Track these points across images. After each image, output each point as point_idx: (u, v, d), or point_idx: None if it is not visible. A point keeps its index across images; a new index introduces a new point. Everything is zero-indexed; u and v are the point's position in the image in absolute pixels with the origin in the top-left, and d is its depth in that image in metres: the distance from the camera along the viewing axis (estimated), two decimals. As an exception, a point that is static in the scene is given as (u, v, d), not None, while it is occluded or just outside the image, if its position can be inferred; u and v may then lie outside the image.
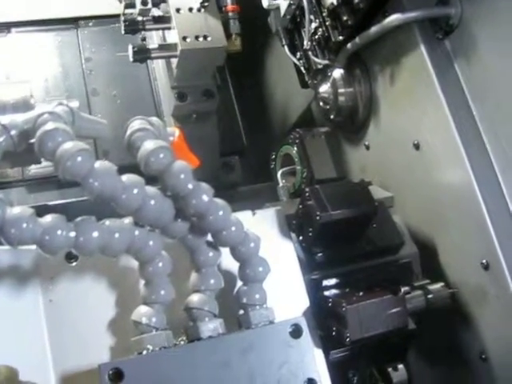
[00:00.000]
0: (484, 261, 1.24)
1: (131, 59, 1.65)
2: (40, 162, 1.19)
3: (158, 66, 1.95)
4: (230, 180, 1.95)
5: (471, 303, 1.29)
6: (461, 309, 1.30)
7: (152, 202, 0.95)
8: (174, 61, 1.69)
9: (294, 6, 1.55)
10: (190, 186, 0.97)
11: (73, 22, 2.03)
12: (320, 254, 1.23)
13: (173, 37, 1.64)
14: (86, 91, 1.95)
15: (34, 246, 0.91)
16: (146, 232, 0.98)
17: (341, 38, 1.45)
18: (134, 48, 1.64)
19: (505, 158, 1.24)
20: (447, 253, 1.35)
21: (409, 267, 1.30)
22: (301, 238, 1.23)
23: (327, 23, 1.46)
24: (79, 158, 0.88)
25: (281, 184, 1.45)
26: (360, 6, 1.35)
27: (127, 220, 0.98)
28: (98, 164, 0.89)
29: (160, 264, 1.01)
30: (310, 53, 1.53)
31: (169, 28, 1.67)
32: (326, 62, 1.50)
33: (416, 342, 1.30)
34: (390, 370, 1.25)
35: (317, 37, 1.50)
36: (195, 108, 1.75)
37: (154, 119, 1.10)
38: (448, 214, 1.33)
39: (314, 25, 1.49)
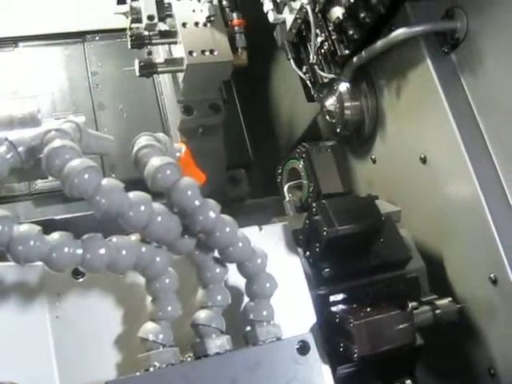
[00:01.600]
0: (492, 275, 1.23)
1: (137, 74, 1.65)
2: (47, 177, 1.19)
3: (164, 81, 1.96)
4: (237, 194, 1.95)
5: (479, 318, 1.28)
6: (469, 323, 1.30)
7: (159, 219, 0.95)
8: (181, 75, 1.70)
9: (299, 21, 1.56)
10: (197, 203, 0.97)
11: (79, 36, 2.05)
12: (327, 269, 1.22)
13: (179, 51, 1.65)
14: (92, 105, 1.97)
15: (40, 263, 0.91)
16: (153, 249, 0.98)
17: (347, 51, 1.45)
18: (140, 62, 1.64)
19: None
20: (455, 267, 1.34)
21: (416, 282, 1.29)
22: (308, 253, 1.22)
23: (333, 37, 1.46)
24: (86, 176, 0.88)
25: (287, 198, 1.45)
26: (366, 21, 1.35)
27: (134, 237, 0.98)
28: (105, 181, 0.90)
29: (167, 280, 1.01)
30: (316, 67, 1.52)
31: (175, 42, 1.67)
32: (332, 75, 1.50)
33: (424, 357, 1.29)
34: (397, 385, 1.24)
35: (323, 51, 1.50)
36: (202, 122, 1.76)
37: (161, 135, 1.10)
38: (455, 228, 1.32)
39: (319, 39, 1.50)
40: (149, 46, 1.79)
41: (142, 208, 0.92)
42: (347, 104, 1.54)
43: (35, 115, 1.34)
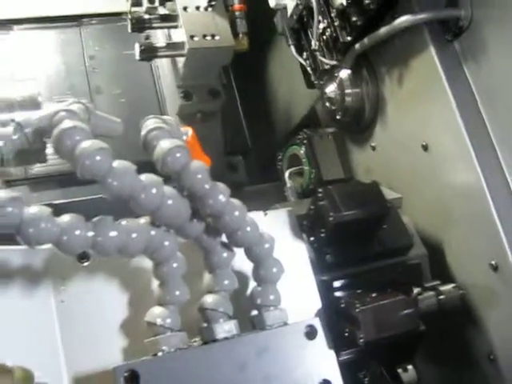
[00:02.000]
0: (493, 262, 1.24)
1: (138, 58, 1.63)
2: (46, 161, 1.18)
3: (162, 65, 1.93)
4: (234, 180, 1.94)
5: (480, 304, 1.29)
6: (469, 309, 1.30)
7: (170, 202, 0.94)
8: (180, 60, 1.68)
9: (301, 6, 1.55)
10: (207, 186, 0.97)
11: (76, 20, 2.00)
12: (331, 255, 1.22)
13: (179, 35, 1.63)
14: (89, 89, 1.93)
15: (45, 246, 0.89)
16: (162, 232, 0.97)
17: (349, 38, 1.44)
18: (141, 46, 1.62)
19: (514, 159, 1.24)
20: (456, 254, 1.35)
21: (419, 268, 1.30)
22: (312, 238, 1.22)
23: (336, 24, 1.45)
24: (98, 157, 0.87)
25: (288, 184, 1.44)
26: (370, 7, 1.34)
27: (143, 220, 0.97)
28: (116, 163, 0.89)
29: (175, 264, 1.01)
30: (317, 53, 1.51)
31: (176, 26, 1.65)
32: (334, 62, 1.50)
33: (424, 342, 1.30)
34: (399, 370, 1.24)
35: (325, 37, 1.49)
36: (201, 107, 1.74)
37: (168, 118, 1.09)
38: (457, 215, 1.33)
39: (321, 25, 1.49)
40: (147, 30, 1.77)
41: (154, 191, 0.91)
42: (348, 91, 1.53)
43: (35, 98, 1.32)
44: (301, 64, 1.64)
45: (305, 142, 1.43)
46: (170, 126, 1.06)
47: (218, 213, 0.98)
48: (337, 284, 1.22)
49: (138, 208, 0.91)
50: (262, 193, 1.82)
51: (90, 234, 0.88)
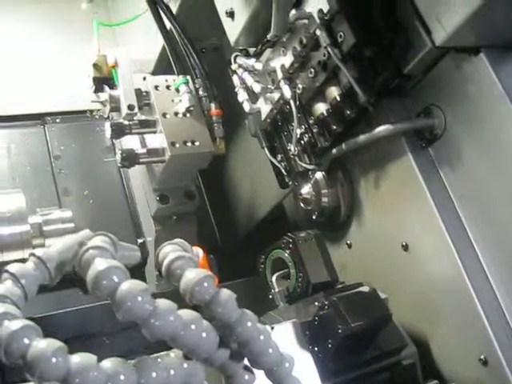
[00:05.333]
0: (482, 356, 1.29)
1: (119, 164, 1.61)
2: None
3: (132, 166, 1.92)
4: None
5: (471, 399, 1.34)
6: (460, 404, 1.35)
7: (204, 335, 0.93)
8: (158, 164, 1.68)
9: (275, 111, 1.60)
10: (237, 315, 0.97)
11: (39, 118, 1.96)
12: (334, 363, 1.24)
13: (157, 141, 1.64)
14: (56, 191, 1.87)
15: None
16: (193, 364, 0.96)
17: (327, 143, 1.51)
18: (122, 153, 1.61)
19: (491, 257, 1.33)
20: (443, 350, 1.40)
21: (415, 368, 1.34)
22: (316, 348, 1.23)
23: (314, 130, 1.51)
24: (140, 298, 0.85)
25: (277, 289, 1.45)
26: (351, 117, 1.42)
27: (173, 353, 0.95)
28: (158, 302, 0.87)
29: (201, 394, 0.99)
30: (296, 157, 1.57)
31: (154, 132, 1.66)
32: (312, 166, 1.55)
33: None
34: None
35: (302, 142, 1.55)
36: (177, 210, 1.74)
37: (181, 241, 1.09)
38: (442, 313, 1.39)
39: (298, 130, 1.54)
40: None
41: (193, 327, 0.90)
42: (324, 191, 1.60)
43: (23, 211, 1.29)
44: (273, 165, 1.68)
45: (290, 246, 1.46)
46: (186, 249, 1.06)
47: (246, 339, 0.98)
48: (342, 391, 1.24)
49: (175, 345, 0.90)
50: (235, 290, 1.81)
51: (134, 377, 0.85)
